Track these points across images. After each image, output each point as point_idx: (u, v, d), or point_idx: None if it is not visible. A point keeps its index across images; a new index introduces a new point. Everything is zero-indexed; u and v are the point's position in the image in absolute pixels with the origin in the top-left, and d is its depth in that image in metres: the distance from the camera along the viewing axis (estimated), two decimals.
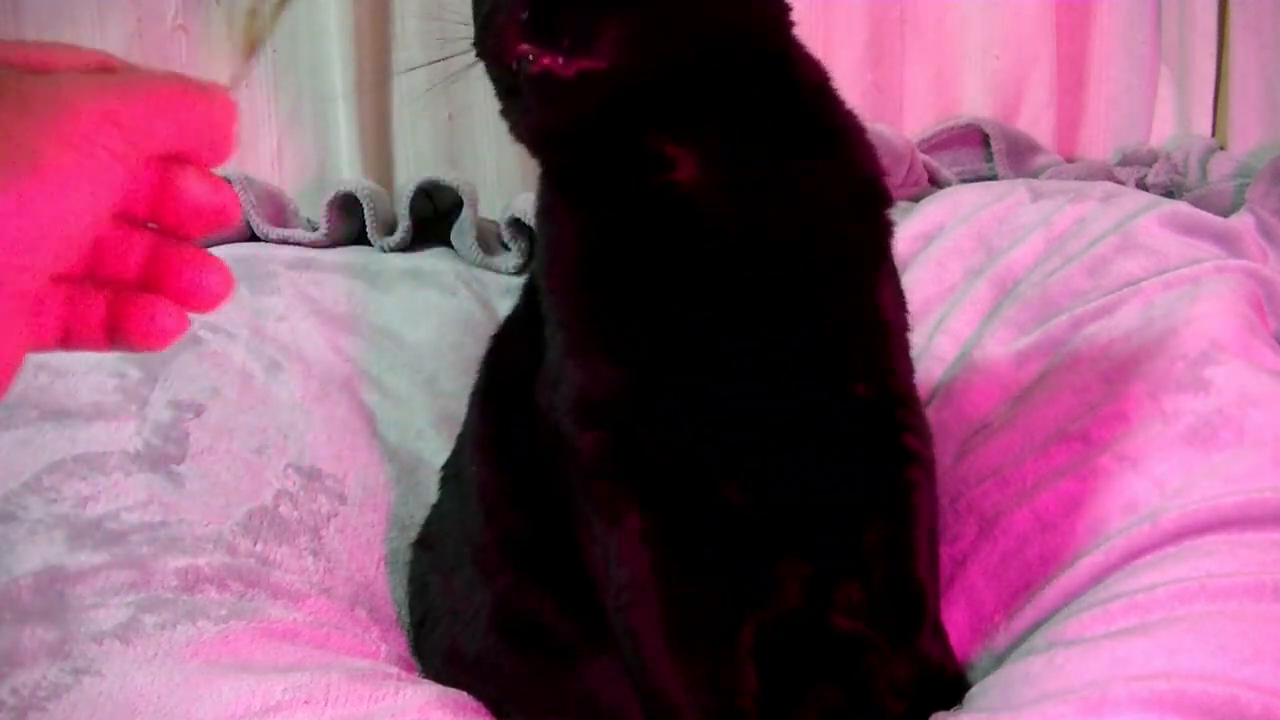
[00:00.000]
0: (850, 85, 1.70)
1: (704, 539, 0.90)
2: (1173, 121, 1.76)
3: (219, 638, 0.94)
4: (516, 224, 1.54)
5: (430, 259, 1.55)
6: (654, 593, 0.89)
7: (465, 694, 0.97)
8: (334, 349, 1.35)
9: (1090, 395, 1.18)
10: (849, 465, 0.92)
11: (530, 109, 0.84)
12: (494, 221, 1.63)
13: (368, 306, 1.44)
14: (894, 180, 1.67)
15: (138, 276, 0.53)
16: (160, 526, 1.03)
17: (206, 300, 0.54)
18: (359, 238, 1.58)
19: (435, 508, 1.12)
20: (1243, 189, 1.54)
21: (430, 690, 0.95)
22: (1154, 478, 1.07)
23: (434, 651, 1.04)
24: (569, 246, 0.91)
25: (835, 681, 0.96)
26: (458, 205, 1.57)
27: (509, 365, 1.02)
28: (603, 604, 0.92)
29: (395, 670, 0.99)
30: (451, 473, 1.10)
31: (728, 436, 0.89)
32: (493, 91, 0.88)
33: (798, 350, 0.88)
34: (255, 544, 1.07)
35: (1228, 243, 1.39)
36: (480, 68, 0.86)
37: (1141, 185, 1.65)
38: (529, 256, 1.57)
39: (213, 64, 1.60)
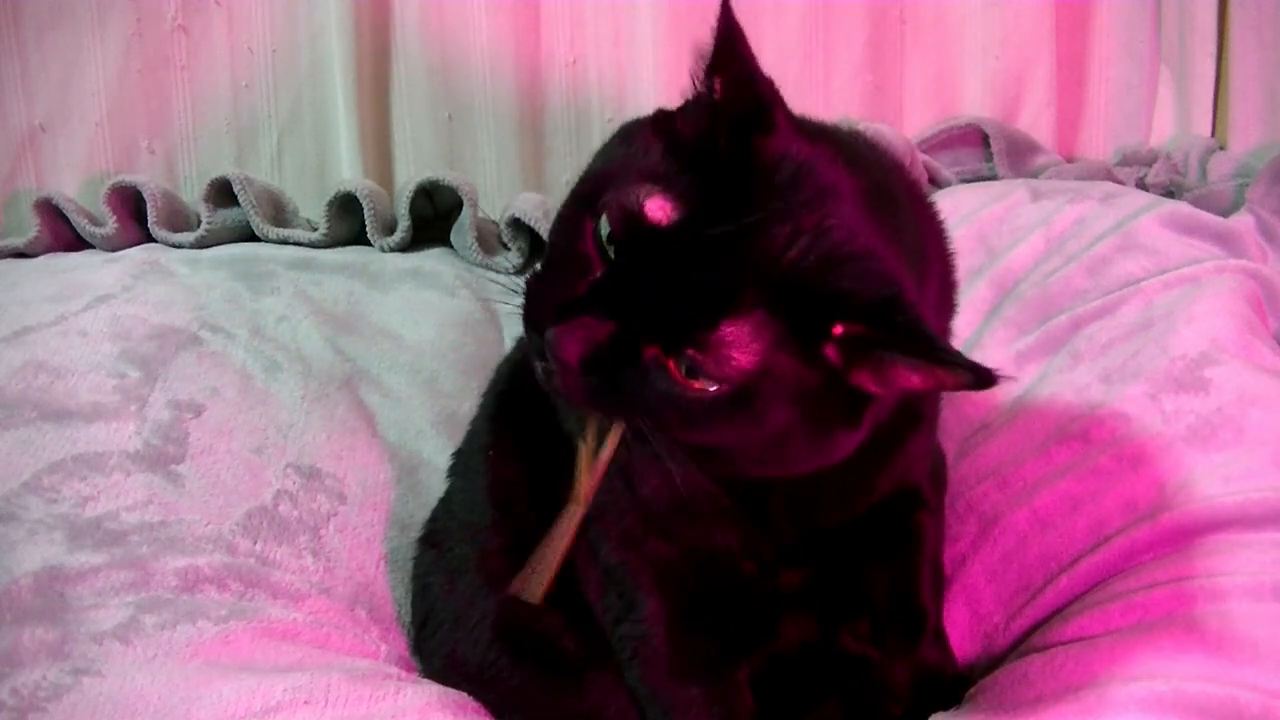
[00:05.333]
0: (850, 85, 1.71)
1: (715, 591, 0.90)
2: (1173, 121, 1.76)
3: (219, 638, 0.94)
4: (516, 224, 1.54)
5: (430, 259, 1.55)
6: (660, 627, 0.90)
7: (465, 695, 0.97)
8: (334, 349, 1.35)
9: (1090, 395, 1.18)
10: (859, 529, 0.92)
11: None
12: (494, 221, 1.63)
13: (368, 306, 1.44)
14: None
15: None
16: (160, 526, 1.03)
17: None
18: (359, 238, 1.59)
19: (442, 503, 1.11)
20: (1243, 189, 1.53)
21: (430, 691, 0.95)
22: (1154, 478, 1.07)
23: (435, 655, 1.04)
24: None
25: (836, 690, 0.97)
26: (458, 205, 1.57)
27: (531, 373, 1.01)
28: (601, 622, 0.93)
29: (395, 670, 0.99)
30: (460, 466, 1.10)
31: (750, 532, 0.89)
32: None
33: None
34: (255, 544, 1.07)
35: (1228, 243, 1.39)
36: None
37: (1141, 185, 1.65)
38: (529, 256, 1.57)
39: (213, 63, 1.60)
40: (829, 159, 0.73)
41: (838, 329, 0.69)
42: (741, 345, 0.68)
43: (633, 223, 0.70)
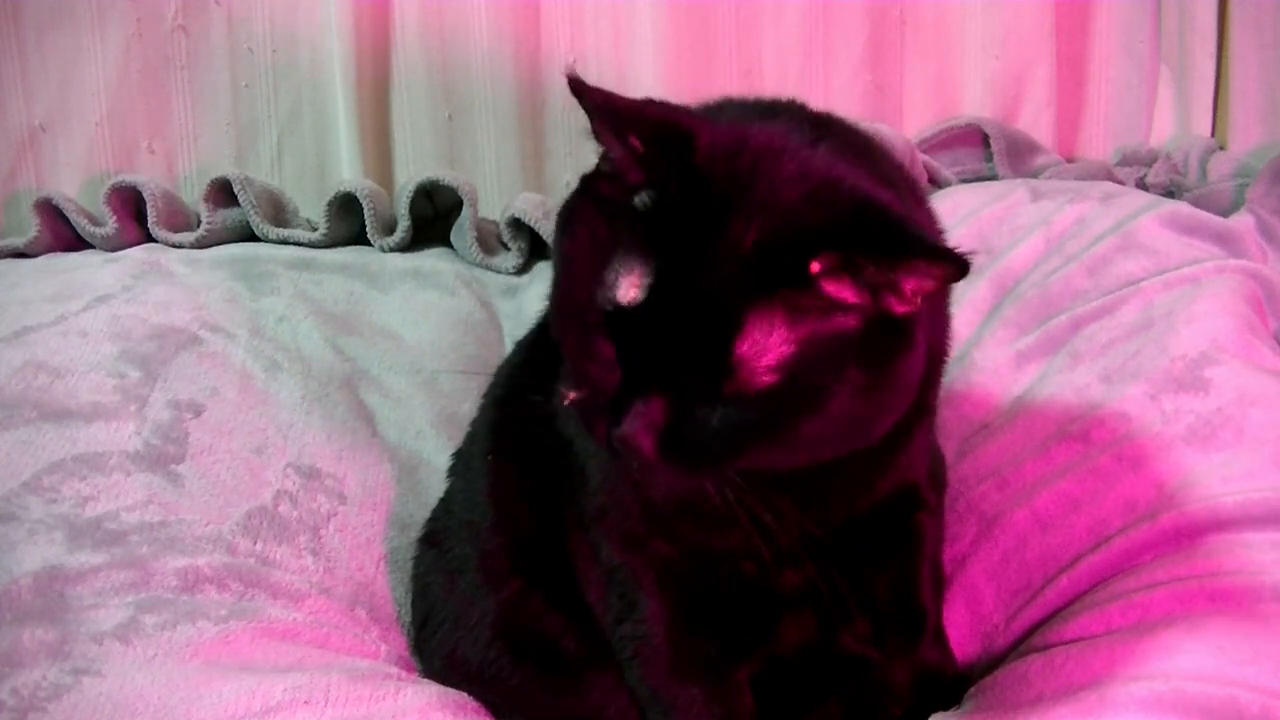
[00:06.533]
0: (850, 85, 1.71)
1: (715, 592, 0.90)
2: (1173, 121, 1.76)
3: (219, 638, 0.94)
4: (516, 224, 1.54)
5: (430, 259, 1.55)
6: (661, 627, 0.90)
7: (465, 695, 0.97)
8: (334, 349, 1.35)
9: (1090, 395, 1.18)
10: (859, 529, 0.92)
11: None
12: (494, 221, 1.63)
13: (368, 306, 1.44)
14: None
15: None
16: (160, 526, 1.03)
17: None
18: (359, 238, 1.59)
19: (442, 502, 1.11)
20: (1243, 189, 1.53)
21: (430, 691, 0.95)
22: (1154, 478, 1.07)
23: (435, 654, 1.04)
24: None
25: (836, 690, 0.97)
26: (458, 205, 1.57)
27: (529, 379, 1.01)
28: (601, 623, 0.93)
29: (395, 670, 0.99)
30: (460, 466, 1.10)
31: (755, 532, 0.89)
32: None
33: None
34: (255, 544, 1.07)
35: (1228, 243, 1.39)
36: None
37: (1141, 185, 1.65)
38: (529, 256, 1.57)
39: (213, 63, 1.60)
40: (756, 129, 0.72)
41: (814, 266, 0.68)
42: (764, 349, 0.68)
43: (619, 315, 0.70)
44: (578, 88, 0.70)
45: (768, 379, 0.68)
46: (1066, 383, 1.21)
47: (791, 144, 0.72)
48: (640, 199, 0.71)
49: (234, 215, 1.55)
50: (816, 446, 0.74)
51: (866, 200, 0.70)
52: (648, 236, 0.70)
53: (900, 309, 0.70)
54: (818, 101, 0.84)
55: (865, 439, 0.76)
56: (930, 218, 0.86)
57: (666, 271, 0.68)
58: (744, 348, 0.67)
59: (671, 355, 0.69)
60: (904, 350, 0.72)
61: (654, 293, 0.68)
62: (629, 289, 0.69)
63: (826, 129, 0.78)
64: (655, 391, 0.69)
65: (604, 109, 0.70)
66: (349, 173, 1.62)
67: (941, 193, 1.62)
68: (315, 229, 1.55)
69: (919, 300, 0.70)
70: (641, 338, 0.69)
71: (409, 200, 1.54)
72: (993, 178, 1.68)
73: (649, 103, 0.72)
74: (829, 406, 0.70)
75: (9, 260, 1.50)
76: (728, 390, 0.68)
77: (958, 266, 0.67)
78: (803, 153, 0.72)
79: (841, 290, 0.68)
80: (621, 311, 0.69)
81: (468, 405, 1.20)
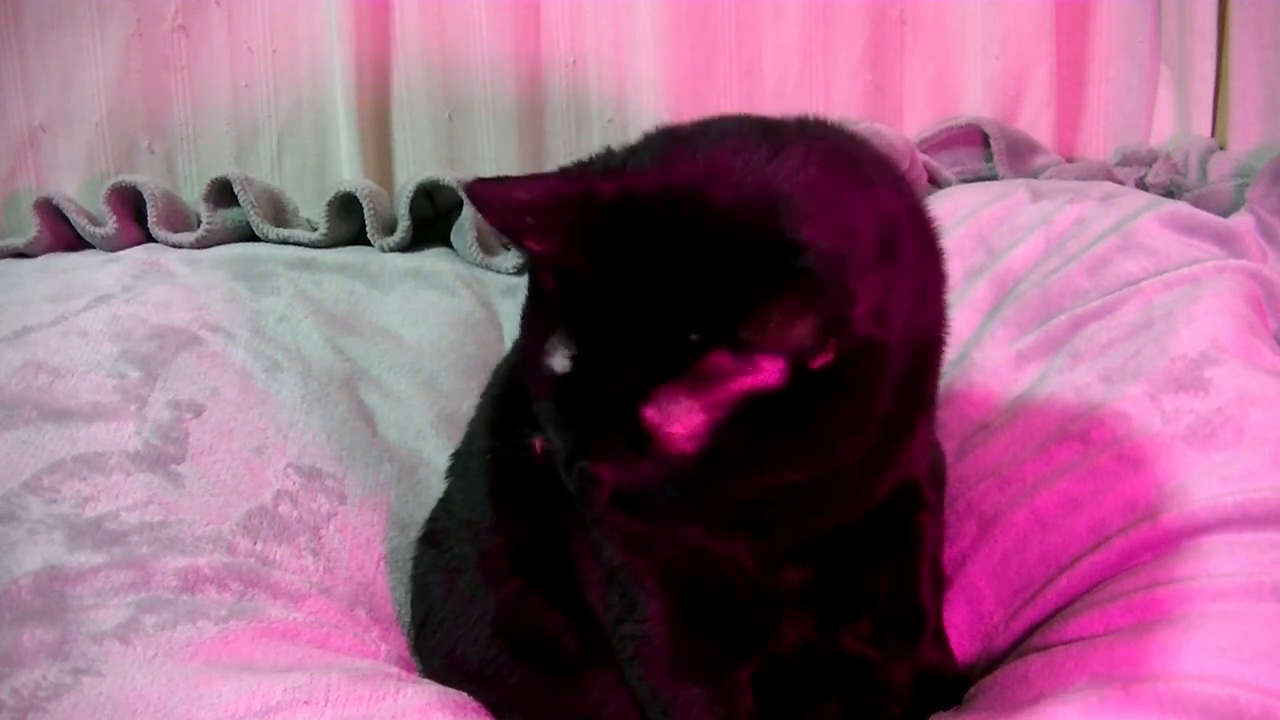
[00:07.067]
0: (850, 85, 1.71)
1: (717, 592, 0.90)
2: (1173, 121, 1.76)
3: (219, 638, 0.94)
4: None
5: (430, 259, 1.55)
6: (662, 627, 0.90)
7: (465, 694, 0.97)
8: (334, 349, 1.35)
9: (1090, 395, 1.18)
10: (859, 529, 0.92)
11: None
12: None
13: (368, 306, 1.44)
14: None
15: None
16: (160, 526, 1.03)
17: None
18: (359, 238, 1.59)
19: (442, 502, 1.11)
20: (1242, 189, 1.53)
21: (430, 690, 0.95)
22: (1154, 478, 1.07)
23: (434, 654, 1.04)
24: None
25: (837, 690, 0.97)
26: (458, 205, 1.57)
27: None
28: (602, 622, 0.93)
29: (395, 670, 0.99)
30: (459, 467, 1.10)
31: (759, 536, 0.89)
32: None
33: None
34: (255, 544, 1.07)
35: (1228, 243, 1.39)
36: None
37: (1141, 185, 1.65)
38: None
39: (213, 63, 1.60)
40: (654, 188, 0.70)
41: (694, 338, 0.66)
42: (671, 420, 0.68)
43: (558, 384, 0.71)
44: (471, 194, 0.69)
45: (686, 448, 0.68)
46: (1066, 383, 1.21)
47: (693, 190, 0.68)
48: (556, 279, 0.71)
49: (234, 215, 1.55)
50: (773, 484, 0.75)
51: (745, 255, 0.66)
52: (569, 314, 0.70)
53: (818, 362, 0.66)
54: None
55: (831, 466, 0.75)
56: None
57: (585, 347, 0.70)
58: (653, 419, 0.68)
59: (600, 426, 0.70)
60: (848, 392, 0.69)
61: (577, 367, 0.70)
62: (560, 363, 0.70)
63: (771, 146, 0.72)
64: (596, 455, 0.71)
65: (497, 218, 0.70)
66: (349, 173, 1.62)
67: (941, 193, 1.62)
68: (315, 229, 1.55)
69: (833, 351, 0.66)
70: (576, 408, 0.71)
71: (409, 200, 1.54)
72: (993, 178, 1.68)
73: (537, 206, 0.69)
74: (773, 456, 0.70)
75: (9, 260, 1.50)
76: (657, 457, 0.69)
77: (831, 303, 0.64)
78: (707, 199, 0.68)
79: (725, 360, 0.66)
80: (557, 381, 0.71)
81: (468, 405, 1.20)
